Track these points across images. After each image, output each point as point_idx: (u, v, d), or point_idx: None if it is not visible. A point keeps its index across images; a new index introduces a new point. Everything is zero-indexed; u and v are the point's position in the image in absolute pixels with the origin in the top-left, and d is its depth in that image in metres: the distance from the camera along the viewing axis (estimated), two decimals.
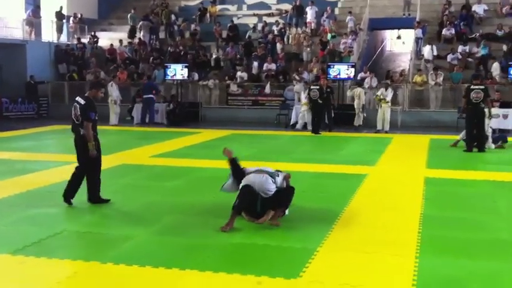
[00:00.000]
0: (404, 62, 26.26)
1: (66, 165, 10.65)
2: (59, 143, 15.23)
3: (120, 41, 24.75)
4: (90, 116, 7.34)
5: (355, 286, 4.75)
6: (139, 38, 25.14)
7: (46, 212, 7.21)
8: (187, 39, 24.81)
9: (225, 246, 5.83)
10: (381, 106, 16.75)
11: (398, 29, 28.83)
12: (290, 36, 23.66)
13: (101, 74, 22.38)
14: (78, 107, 7.37)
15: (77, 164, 7.64)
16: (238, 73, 21.40)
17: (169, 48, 23.81)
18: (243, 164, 7.30)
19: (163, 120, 19.56)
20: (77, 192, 7.55)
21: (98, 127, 7.64)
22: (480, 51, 20.43)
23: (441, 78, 19.19)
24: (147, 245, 5.88)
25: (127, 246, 5.82)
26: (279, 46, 22.74)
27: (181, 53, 23.19)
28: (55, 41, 24.84)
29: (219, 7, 27.17)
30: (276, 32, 23.73)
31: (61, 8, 25.35)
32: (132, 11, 26.54)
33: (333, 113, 17.31)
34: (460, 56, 20.52)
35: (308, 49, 22.26)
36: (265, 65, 21.47)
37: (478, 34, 21.38)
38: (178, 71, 20.16)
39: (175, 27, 25.96)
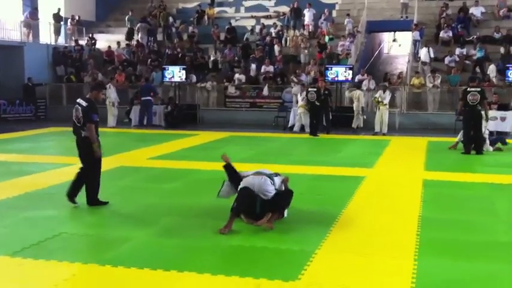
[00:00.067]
0: (401, 65, 26.32)
1: (64, 167, 10.66)
2: (56, 145, 15.22)
3: (118, 43, 24.75)
4: (92, 118, 7.37)
5: None
6: (137, 40, 25.14)
7: (44, 214, 7.20)
8: (185, 41, 24.81)
9: (224, 249, 5.83)
10: (379, 108, 16.78)
11: (395, 31, 28.93)
12: (288, 38, 23.68)
13: (99, 76, 22.36)
14: (80, 109, 7.38)
15: (81, 165, 7.67)
16: (236, 75, 21.41)
17: (167, 51, 23.80)
18: (242, 166, 7.29)
19: (161, 123, 19.55)
20: (79, 192, 7.58)
21: None
22: (476, 54, 20.48)
23: (439, 81, 19.22)
24: (145, 247, 5.88)
25: (125, 248, 5.82)
26: (276, 48, 22.76)
27: (179, 55, 23.19)
28: (53, 43, 24.81)
29: (216, 9, 27.18)
30: (273, 34, 23.75)
31: (59, 10, 25.33)
32: (130, 13, 26.55)
33: (331, 115, 17.32)
34: (457, 59, 20.56)
35: (306, 51, 22.28)
36: (263, 67, 21.48)
37: (475, 36, 21.43)
38: (176, 73, 20.16)
39: (173, 30, 25.95)
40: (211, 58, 23.26)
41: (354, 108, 17.80)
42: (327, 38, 22.81)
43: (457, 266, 5.32)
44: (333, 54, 21.74)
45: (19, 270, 5.22)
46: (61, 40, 25.73)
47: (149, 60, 23.31)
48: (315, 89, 16.63)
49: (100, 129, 7.64)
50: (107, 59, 24.36)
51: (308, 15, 24.24)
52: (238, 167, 7.29)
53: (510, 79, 18.04)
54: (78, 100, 7.57)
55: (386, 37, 30.73)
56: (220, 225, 6.33)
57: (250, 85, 21.19)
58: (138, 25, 25.52)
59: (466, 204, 7.97)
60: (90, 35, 25.90)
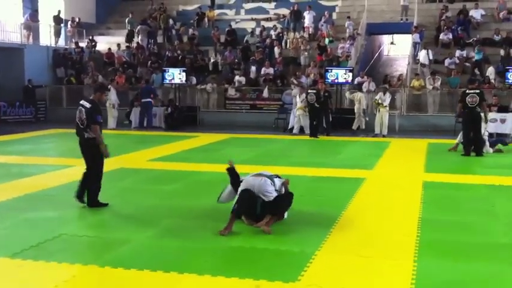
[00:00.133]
0: (401, 67, 26.33)
1: (64, 169, 10.68)
2: (56, 146, 15.23)
3: (118, 45, 24.76)
4: (97, 119, 7.41)
5: None
6: (137, 42, 25.15)
7: (44, 216, 7.20)
8: (185, 43, 24.83)
9: (224, 250, 5.83)
10: (379, 110, 16.79)
11: (393, 34, 28.93)
12: (288, 40, 23.68)
13: (99, 78, 22.37)
14: (83, 111, 7.40)
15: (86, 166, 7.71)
16: (236, 77, 21.42)
17: (167, 53, 23.82)
18: (242, 168, 7.30)
19: (161, 124, 19.56)
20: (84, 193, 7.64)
21: None
22: (474, 56, 20.50)
23: (439, 83, 19.24)
24: (145, 249, 5.88)
25: (125, 250, 5.82)
26: (276, 50, 22.78)
27: (180, 57, 23.21)
28: (53, 45, 24.82)
29: (217, 11, 27.20)
30: (273, 37, 23.76)
31: (59, 12, 25.36)
32: (130, 16, 26.57)
33: (331, 117, 17.33)
34: (457, 61, 20.57)
35: (306, 53, 22.29)
36: (263, 69, 21.49)
37: (474, 39, 21.44)
38: (176, 75, 20.16)
39: (173, 32, 25.97)
40: (212, 60, 23.28)
41: (355, 110, 17.80)
42: (327, 40, 22.83)
43: (456, 267, 5.32)
44: (333, 57, 21.76)
45: (19, 272, 5.22)
46: (61, 42, 25.75)
47: (149, 62, 23.32)
48: (315, 91, 16.65)
49: None
50: (107, 61, 24.37)
51: (308, 17, 24.27)
52: (239, 168, 7.29)
53: (510, 81, 18.05)
54: (82, 102, 7.59)
55: (386, 39, 30.74)
56: (220, 226, 6.33)
57: (250, 87, 21.19)
58: (139, 27, 25.54)
59: (465, 205, 7.96)
60: (91, 37, 25.90)
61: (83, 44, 25.38)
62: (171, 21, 26.31)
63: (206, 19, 26.58)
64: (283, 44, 23.56)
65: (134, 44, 25.16)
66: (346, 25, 23.52)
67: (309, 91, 16.90)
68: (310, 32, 24.02)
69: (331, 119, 17.30)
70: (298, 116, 17.58)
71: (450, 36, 21.89)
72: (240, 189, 6.65)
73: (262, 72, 21.48)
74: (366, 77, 20.06)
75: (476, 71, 19.78)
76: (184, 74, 20.11)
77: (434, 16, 23.86)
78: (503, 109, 17.33)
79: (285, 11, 26.00)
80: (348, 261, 5.46)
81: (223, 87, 21.38)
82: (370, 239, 6.20)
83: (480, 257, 5.66)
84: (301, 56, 22.45)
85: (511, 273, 5.19)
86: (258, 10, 27.07)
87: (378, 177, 10.18)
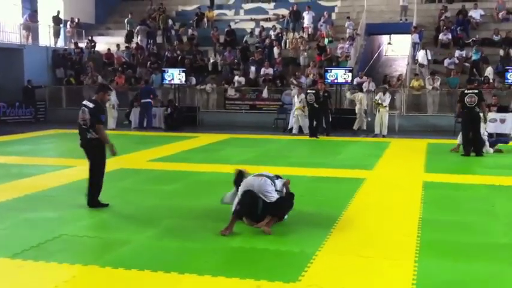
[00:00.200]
0: (401, 67, 26.33)
1: (64, 169, 10.68)
2: (56, 147, 15.23)
3: (118, 45, 24.74)
4: (101, 119, 7.43)
5: None
6: (137, 43, 25.14)
7: (44, 216, 7.20)
8: (184, 43, 24.82)
9: (224, 250, 5.83)
10: (379, 111, 16.80)
11: (391, 34, 28.93)
12: (287, 41, 23.69)
13: (99, 79, 22.37)
14: (86, 111, 7.42)
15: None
16: (236, 77, 21.42)
17: (166, 53, 23.81)
18: (242, 168, 7.29)
19: (161, 125, 19.57)
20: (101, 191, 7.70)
21: None
22: (472, 56, 20.53)
23: (438, 83, 19.25)
24: (145, 249, 5.88)
25: (125, 250, 5.81)
26: (276, 51, 22.78)
27: (179, 58, 23.21)
28: (52, 45, 24.82)
29: (216, 12, 27.20)
30: (273, 37, 23.76)
31: (58, 12, 25.35)
32: (129, 16, 26.56)
33: (331, 117, 17.34)
34: (456, 61, 20.58)
35: (305, 54, 22.30)
36: (262, 69, 21.49)
37: (474, 39, 21.45)
38: (175, 76, 20.17)
39: (173, 32, 25.97)
40: (211, 60, 23.28)
41: (356, 111, 17.81)
42: (326, 41, 22.84)
43: (457, 267, 5.33)
44: (333, 57, 21.77)
45: (19, 272, 5.22)
46: (60, 43, 25.75)
47: (149, 62, 23.32)
48: (314, 91, 16.66)
49: None
50: (106, 62, 24.37)
51: (307, 17, 24.28)
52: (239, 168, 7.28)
53: (509, 81, 18.06)
54: (85, 102, 7.61)
55: (385, 40, 30.75)
56: (220, 227, 6.33)
57: (249, 87, 21.20)
58: (138, 28, 25.54)
59: (466, 205, 7.96)
60: (90, 38, 25.89)
61: (82, 45, 25.38)
62: (170, 22, 26.29)
63: (205, 19, 26.59)
64: (282, 44, 23.57)
65: (133, 45, 25.15)
66: (346, 25, 23.54)
67: (308, 91, 16.92)
68: (309, 32, 24.03)
69: (330, 119, 17.30)
70: (296, 116, 17.59)
71: (449, 36, 21.90)
72: (240, 190, 6.64)
73: (261, 72, 21.48)
74: (365, 77, 20.07)
75: (475, 71, 19.79)
76: (183, 74, 20.12)
77: (433, 16, 23.87)
78: (502, 109, 17.35)
79: (284, 11, 26.01)
80: (348, 262, 5.46)
81: (223, 88, 21.38)
82: (371, 239, 6.20)
83: (480, 257, 5.66)
84: (300, 56, 22.45)
85: (511, 273, 5.19)
86: (257, 10, 27.07)
87: (378, 177, 10.18)
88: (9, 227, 6.74)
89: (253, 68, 21.87)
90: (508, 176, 10.24)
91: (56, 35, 25.32)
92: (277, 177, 6.97)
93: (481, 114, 12.66)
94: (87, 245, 6.12)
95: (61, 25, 25.61)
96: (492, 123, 16.08)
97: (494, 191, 9.00)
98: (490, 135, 14.04)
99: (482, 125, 12.86)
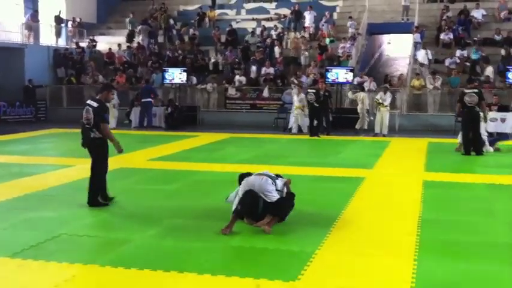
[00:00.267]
0: (402, 67, 26.32)
1: (64, 169, 10.69)
2: (56, 146, 15.23)
3: (119, 45, 24.76)
4: (105, 118, 7.47)
5: None
6: (138, 42, 25.15)
7: (44, 216, 7.20)
8: (186, 43, 24.83)
9: (224, 249, 5.83)
10: (379, 110, 16.80)
11: (393, 34, 28.88)
12: (288, 40, 23.69)
13: (100, 78, 22.40)
14: (90, 110, 7.44)
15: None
16: (237, 77, 21.43)
17: (167, 53, 23.82)
18: (242, 167, 7.30)
19: (162, 124, 19.58)
20: (107, 189, 7.77)
21: None
22: (472, 56, 20.52)
23: (439, 82, 19.24)
24: (145, 248, 5.88)
25: (125, 249, 5.82)
26: (277, 50, 22.78)
27: (180, 57, 23.21)
28: (54, 45, 24.83)
29: (217, 11, 27.21)
30: (274, 37, 23.76)
31: (60, 12, 25.37)
32: (131, 16, 26.58)
33: (331, 117, 17.34)
34: (458, 61, 20.57)
35: (306, 53, 22.30)
36: (263, 69, 21.50)
37: (475, 39, 21.43)
38: (176, 75, 20.19)
39: (174, 32, 25.98)
40: (212, 60, 23.28)
41: (359, 110, 17.80)
42: (327, 40, 22.83)
43: (456, 266, 5.32)
44: (334, 57, 21.76)
45: (19, 272, 5.22)
46: (62, 42, 25.75)
47: (150, 62, 23.33)
48: (314, 91, 16.67)
49: None
50: (107, 61, 24.39)
51: (308, 17, 24.26)
52: (239, 168, 7.29)
53: (510, 81, 18.05)
54: (88, 101, 7.64)
55: (386, 39, 30.72)
56: (220, 226, 6.33)
57: (250, 87, 21.21)
58: (139, 27, 25.55)
59: (466, 205, 7.96)
60: (91, 37, 25.91)
61: (83, 44, 25.40)
62: (171, 21, 26.31)
63: (207, 19, 26.58)
64: (283, 43, 23.56)
65: (135, 44, 25.17)
66: (348, 25, 23.53)
67: (309, 90, 16.94)
68: (310, 32, 24.03)
69: (331, 119, 17.30)
70: (296, 116, 17.60)
71: (451, 36, 21.88)
72: (241, 189, 6.63)
73: (262, 72, 21.49)
74: (365, 76, 20.08)
75: (478, 70, 19.77)
76: (184, 73, 20.15)
77: (435, 16, 23.85)
78: (503, 108, 17.34)
79: (285, 11, 26.00)
80: (348, 261, 5.46)
81: (224, 87, 21.39)
82: (370, 238, 6.20)
83: (480, 256, 5.66)
84: (301, 56, 22.45)
85: (511, 273, 5.19)
86: (258, 10, 27.07)
87: (378, 176, 10.18)
88: (9, 226, 6.75)
89: (254, 68, 21.88)
90: (508, 175, 10.23)
91: (58, 34, 25.35)
92: (278, 176, 6.97)
93: (482, 114, 12.66)
94: (87, 244, 6.12)
95: (62, 25, 25.62)
96: (493, 123, 16.07)
97: (494, 190, 9.00)
98: (490, 134, 14.02)
99: (482, 124, 12.85)
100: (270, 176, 6.75)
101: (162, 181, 9.66)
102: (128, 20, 26.56)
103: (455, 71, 19.69)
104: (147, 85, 20.28)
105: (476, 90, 12.73)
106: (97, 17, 29.05)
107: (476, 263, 5.43)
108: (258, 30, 24.72)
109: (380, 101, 16.68)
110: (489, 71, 19.31)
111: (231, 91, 21.11)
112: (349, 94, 18.78)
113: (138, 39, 25.40)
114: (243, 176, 6.89)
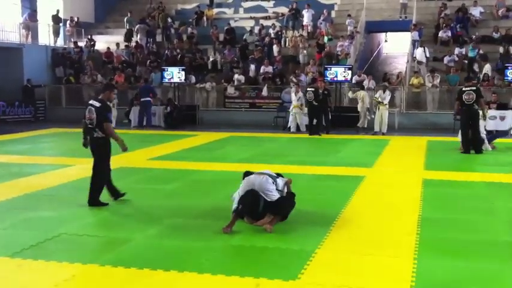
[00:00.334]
0: (400, 65, 26.33)
1: (64, 168, 10.68)
2: (56, 146, 15.22)
3: (117, 44, 24.74)
4: (108, 117, 7.49)
5: None
6: (136, 41, 25.14)
7: (44, 215, 7.20)
8: (184, 42, 24.80)
9: (224, 249, 5.83)
10: (379, 108, 16.80)
11: (391, 32, 28.92)
12: (287, 39, 23.69)
13: (98, 78, 22.39)
14: (93, 110, 7.46)
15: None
16: (236, 76, 21.41)
17: (166, 52, 23.80)
18: (242, 166, 7.30)
19: (161, 123, 19.57)
20: (115, 187, 7.85)
21: None
22: (469, 53, 20.53)
23: (438, 80, 19.24)
24: (145, 248, 5.88)
25: (125, 249, 5.82)
26: (275, 49, 22.77)
27: (178, 56, 23.19)
28: (52, 44, 24.81)
29: (215, 10, 27.19)
30: (272, 35, 23.75)
31: (58, 11, 25.33)
32: (129, 15, 26.53)
33: (330, 115, 17.34)
34: (456, 58, 20.59)
35: (305, 52, 22.29)
36: (262, 67, 21.48)
37: (474, 36, 21.44)
38: (175, 74, 20.18)
39: (172, 31, 25.96)
40: (211, 59, 23.27)
41: (359, 109, 17.79)
42: (325, 39, 22.83)
43: (456, 265, 5.32)
44: (332, 55, 21.76)
45: (19, 271, 5.22)
46: (60, 42, 25.73)
47: (148, 61, 23.32)
48: (313, 89, 16.66)
49: None
50: (106, 60, 24.36)
51: (307, 15, 24.25)
52: (239, 167, 7.28)
53: (509, 78, 18.06)
54: (91, 101, 7.66)
55: (384, 37, 30.71)
56: (220, 225, 6.33)
57: (249, 86, 21.19)
58: (137, 26, 25.52)
59: (465, 203, 7.96)
60: (89, 37, 25.88)
61: (81, 44, 25.37)
62: (169, 20, 26.28)
63: (205, 18, 26.57)
64: (282, 42, 23.55)
65: (133, 43, 25.15)
66: (346, 23, 23.54)
67: (308, 89, 16.94)
68: (309, 30, 24.02)
69: (330, 117, 17.30)
70: (294, 114, 17.60)
71: (449, 33, 21.90)
72: (241, 188, 6.62)
73: (261, 70, 21.47)
74: (363, 75, 20.08)
75: (476, 69, 19.77)
76: (183, 72, 20.13)
77: (433, 14, 23.87)
78: (502, 106, 17.35)
79: (283, 10, 26.00)
80: (348, 259, 5.46)
81: (223, 86, 21.37)
82: (370, 237, 6.21)
83: (480, 254, 5.66)
84: (300, 54, 22.45)
85: (511, 271, 5.19)
86: (256, 8, 27.06)
87: (378, 175, 10.18)
88: (8, 226, 6.75)
89: (252, 66, 21.86)
90: (507, 173, 10.23)
91: (56, 34, 25.31)
92: (279, 176, 6.96)
93: (480, 112, 12.66)
94: (86, 244, 6.12)
95: (60, 24, 25.58)
96: (492, 121, 16.08)
97: (493, 188, 9.00)
98: (489, 132, 14.02)
99: (481, 122, 12.85)
100: (270, 176, 6.75)
101: (162, 180, 9.65)
102: (126, 19, 26.52)
103: (454, 69, 19.71)
104: (146, 84, 20.26)
105: (474, 88, 12.73)
106: (95, 16, 29.01)
107: (476, 262, 5.43)
108: (256, 29, 24.72)
109: (379, 99, 16.68)
110: (487, 68, 19.31)
111: (230, 90, 21.10)
112: (349, 94, 18.75)
113: (136, 38, 25.39)
114: (247, 174, 6.90)
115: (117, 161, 10.94)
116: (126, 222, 6.95)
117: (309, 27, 24.10)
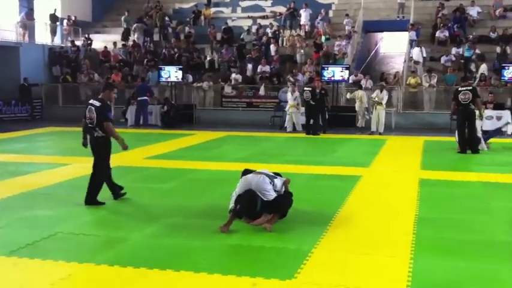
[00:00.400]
0: (398, 64, 26.36)
1: (60, 167, 10.66)
2: (52, 145, 15.18)
3: (114, 43, 24.71)
4: (108, 116, 7.47)
5: (349, 287, 4.76)
6: (134, 41, 25.10)
7: (40, 214, 7.19)
8: (181, 41, 24.79)
9: (220, 248, 5.83)
10: (376, 108, 16.81)
11: (389, 31, 28.92)
12: (284, 38, 23.69)
13: (95, 77, 22.36)
14: (93, 109, 7.46)
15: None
16: (233, 75, 21.41)
17: (163, 51, 23.78)
18: (239, 166, 7.29)
19: (158, 122, 19.56)
20: (116, 185, 7.86)
21: None
22: (465, 53, 20.56)
23: (435, 80, 19.27)
24: (141, 247, 5.87)
25: (122, 248, 5.81)
26: (273, 48, 22.77)
27: (176, 55, 23.18)
28: (49, 43, 24.77)
29: (213, 9, 27.18)
30: (270, 34, 23.75)
31: (55, 10, 25.28)
32: (126, 14, 26.49)
33: (327, 115, 17.35)
34: (453, 58, 20.61)
35: (302, 51, 22.30)
36: (259, 67, 21.48)
37: (471, 36, 21.47)
38: (172, 73, 20.17)
39: (169, 30, 25.94)
40: (208, 58, 23.25)
41: (357, 109, 17.80)
42: (323, 38, 22.83)
43: (453, 265, 5.32)
44: (330, 54, 21.77)
45: (15, 270, 5.21)
46: (57, 40, 25.68)
47: (145, 60, 23.29)
48: (310, 89, 16.67)
49: None
50: (103, 59, 24.32)
51: (304, 15, 24.26)
52: (235, 166, 7.28)
53: (506, 78, 18.09)
54: (91, 101, 7.66)
55: (381, 36, 30.72)
56: (217, 224, 6.33)
57: (246, 85, 21.19)
58: (135, 25, 25.49)
59: (462, 203, 7.97)
60: (87, 36, 25.86)
61: (79, 43, 25.33)
62: (167, 19, 26.25)
63: (202, 17, 26.56)
64: (279, 41, 23.55)
65: (130, 42, 25.12)
66: (344, 22, 23.55)
67: (305, 89, 16.95)
68: (306, 30, 24.03)
69: (327, 117, 17.31)
70: (290, 114, 17.61)
71: (446, 33, 21.92)
72: (239, 188, 6.61)
73: (258, 70, 21.47)
74: (360, 75, 20.10)
75: (473, 68, 19.80)
76: (180, 72, 20.13)
77: (430, 14, 23.90)
78: (499, 106, 17.38)
79: (281, 9, 25.98)
80: (344, 259, 5.46)
81: (220, 85, 21.36)
82: (367, 236, 6.21)
83: (476, 254, 5.66)
84: (297, 54, 22.45)
85: (508, 271, 5.20)
86: (254, 8, 27.05)
87: (375, 174, 10.19)
88: (5, 225, 6.73)
89: (250, 66, 21.86)
90: (504, 173, 10.25)
91: (53, 32, 25.27)
92: (278, 175, 6.96)
93: (477, 112, 12.68)
94: (83, 242, 6.11)
95: (58, 23, 25.53)
96: (488, 121, 16.10)
97: (490, 188, 9.01)
98: (485, 132, 14.04)
99: (478, 122, 12.87)
100: (268, 175, 6.74)
101: (159, 179, 9.64)
102: (123, 18, 26.47)
103: (451, 69, 19.72)
104: (143, 83, 20.24)
105: (470, 88, 12.75)
106: (92, 15, 28.95)
107: (473, 261, 5.44)
108: (254, 28, 24.71)
109: (377, 99, 16.68)
110: (483, 68, 19.34)
111: (227, 89, 21.09)
112: (348, 95, 18.75)
113: (134, 37, 25.35)
114: (246, 172, 6.89)
115: (113, 159, 10.91)
116: (123, 221, 6.95)
117: (307, 27, 24.11)
